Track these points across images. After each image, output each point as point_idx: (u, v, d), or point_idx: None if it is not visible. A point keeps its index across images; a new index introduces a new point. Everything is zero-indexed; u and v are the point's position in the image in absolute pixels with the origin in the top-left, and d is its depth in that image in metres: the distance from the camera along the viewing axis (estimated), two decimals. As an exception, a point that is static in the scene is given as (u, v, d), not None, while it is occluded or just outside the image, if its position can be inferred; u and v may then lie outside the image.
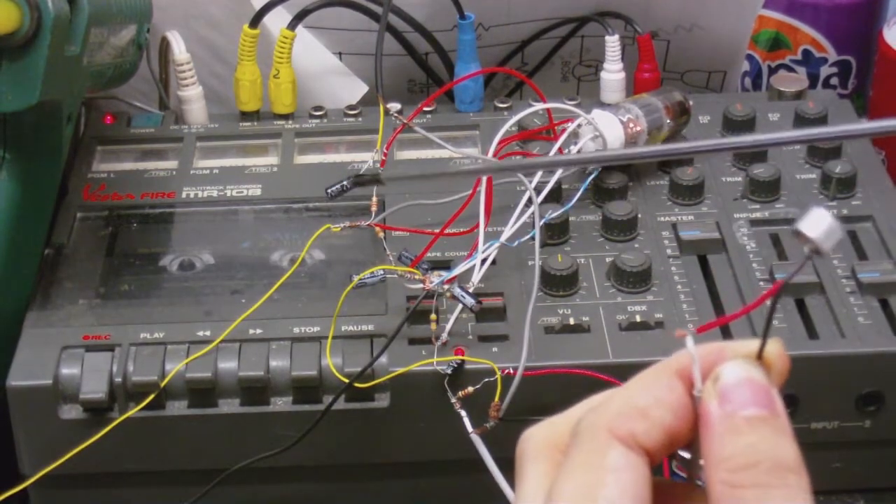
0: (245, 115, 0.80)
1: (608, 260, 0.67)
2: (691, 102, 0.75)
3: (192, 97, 0.80)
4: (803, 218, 0.35)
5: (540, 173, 0.66)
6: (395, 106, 0.77)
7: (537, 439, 0.41)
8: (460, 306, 0.61)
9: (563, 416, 0.41)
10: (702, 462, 0.37)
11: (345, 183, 0.68)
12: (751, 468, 0.35)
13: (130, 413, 0.61)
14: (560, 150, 0.69)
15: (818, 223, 0.35)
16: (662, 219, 0.71)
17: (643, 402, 0.37)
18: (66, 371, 0.62)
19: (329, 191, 0.68)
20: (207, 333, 0.63)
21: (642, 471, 0.37)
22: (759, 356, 0.37)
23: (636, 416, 0.37)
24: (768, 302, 0.38)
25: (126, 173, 0.76)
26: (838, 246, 0.66)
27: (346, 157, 0.77)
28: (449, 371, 0.60)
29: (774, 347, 0.38)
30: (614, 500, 0.36)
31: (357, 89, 0.84)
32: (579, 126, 0.69)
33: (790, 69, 0.92)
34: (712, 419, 0.36)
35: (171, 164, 0.76)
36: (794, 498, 0.35)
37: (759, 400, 0.36)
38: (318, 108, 0.80)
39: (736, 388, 0.36)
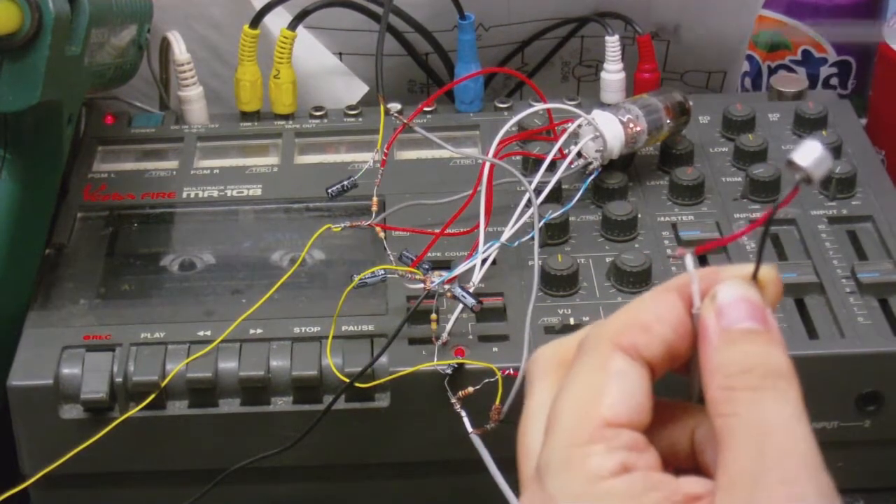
0: (245, 116, 0.80)
1: (608, 260, 0.67)
2: (691, 103, 0.75)
3: (193, 97, 0.80)
4: (797, 149, 0.37)
5: (540, 174, 0.66)
6: (395, 106, 0.77)
7: (546, 357, 0.43)
8: (460, 306, 0.61)
9: (570, 336, 0.42)
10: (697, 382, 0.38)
11: (345, 183, 0.68)
12: (745, 373, 0.37)
13: (131, 413, 0.61)
14: (560, 150, 0.69)
15: (810, 153, 0.37)
16: (662, 219, 0.71)
17: (645, 318, 0.39)
18: (66, 371, 0.62)
19: (329, 191, 0.68)
20: (208, 333, 0.63)
21: (644, 380, 0.39)
22: (754, 278, 0.39)
23: (639, 329, 0.39)
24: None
25: (127, 173, 0.76)
26: (839, 246, 0.68)
27: (347, 158, 0.77)
28: (449, 371, 0.60)
29: (769, 272, 0.39)
30: (616, 404, 0.38)
31: (357, 89, 0.84)
32: (579, 126, 0.69)
33: (790, 69, 0.92)
34: (710, 332, 0.38)
35: (172, 164, 0.76)
36: (784, 400, 0.37)
37: (754, 315, 0.38)
38: (319, 108, 0.80)
39: (732, 305, 0.38)
